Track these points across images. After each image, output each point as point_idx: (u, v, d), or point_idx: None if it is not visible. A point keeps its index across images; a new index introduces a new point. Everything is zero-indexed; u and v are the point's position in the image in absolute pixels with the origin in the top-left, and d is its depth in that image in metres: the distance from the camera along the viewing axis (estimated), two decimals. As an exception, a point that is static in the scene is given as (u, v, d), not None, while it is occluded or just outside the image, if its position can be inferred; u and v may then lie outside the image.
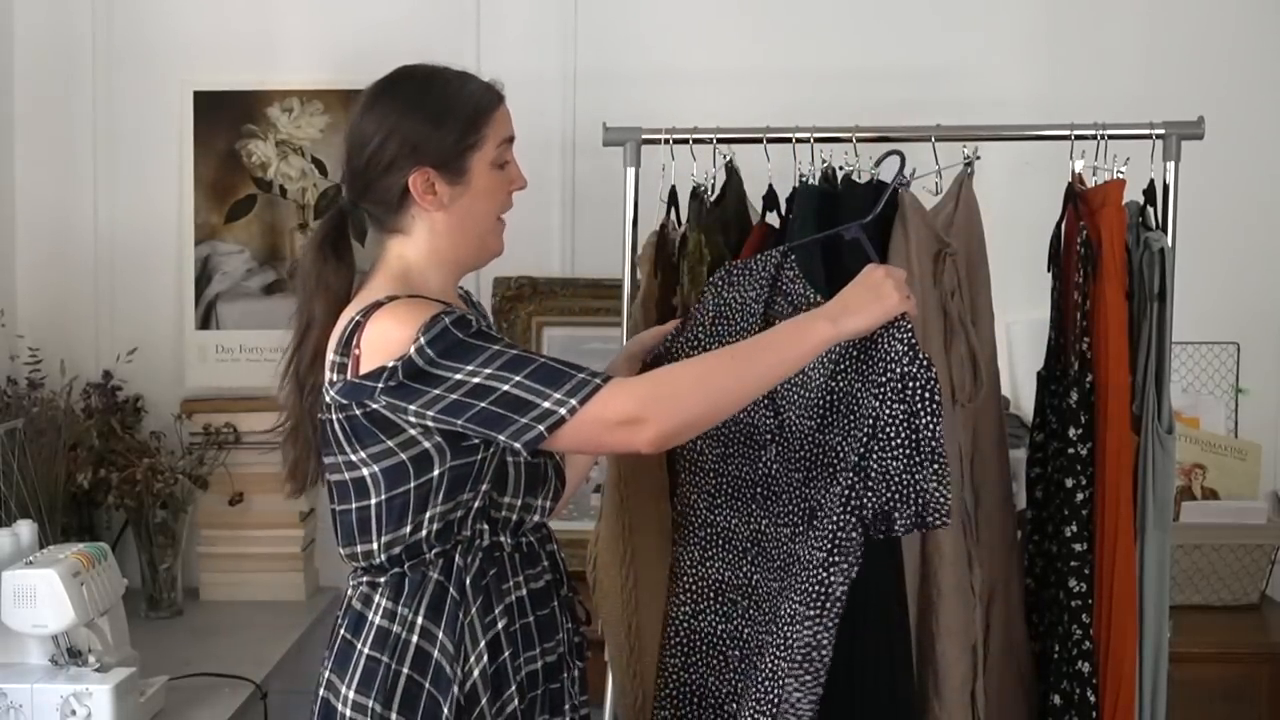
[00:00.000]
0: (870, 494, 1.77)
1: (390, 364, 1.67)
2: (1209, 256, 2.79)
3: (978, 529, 2.16)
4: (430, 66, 1.85)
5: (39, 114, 3.01)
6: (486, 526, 1.80)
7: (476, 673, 1.75)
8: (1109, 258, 2.10)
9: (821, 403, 1.90)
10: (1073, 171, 2.18)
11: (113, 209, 3.02)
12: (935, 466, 1.75)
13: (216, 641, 2.62)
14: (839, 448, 1.86)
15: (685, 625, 2.06)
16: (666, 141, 2.24)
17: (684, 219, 2.28)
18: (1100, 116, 2.17)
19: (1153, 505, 2.14)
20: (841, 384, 1.87)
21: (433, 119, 1.78)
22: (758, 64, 2.93)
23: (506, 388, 1.64)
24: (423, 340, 1.66)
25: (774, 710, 1.81)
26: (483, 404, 1.65)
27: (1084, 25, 3.01)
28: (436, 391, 1.66)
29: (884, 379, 1.77)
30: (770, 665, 1.82)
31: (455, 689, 1.73)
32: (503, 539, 1.81)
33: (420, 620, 1.76)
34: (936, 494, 1.75)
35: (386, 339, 1.68)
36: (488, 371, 1.65)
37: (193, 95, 2.99)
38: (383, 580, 1.78)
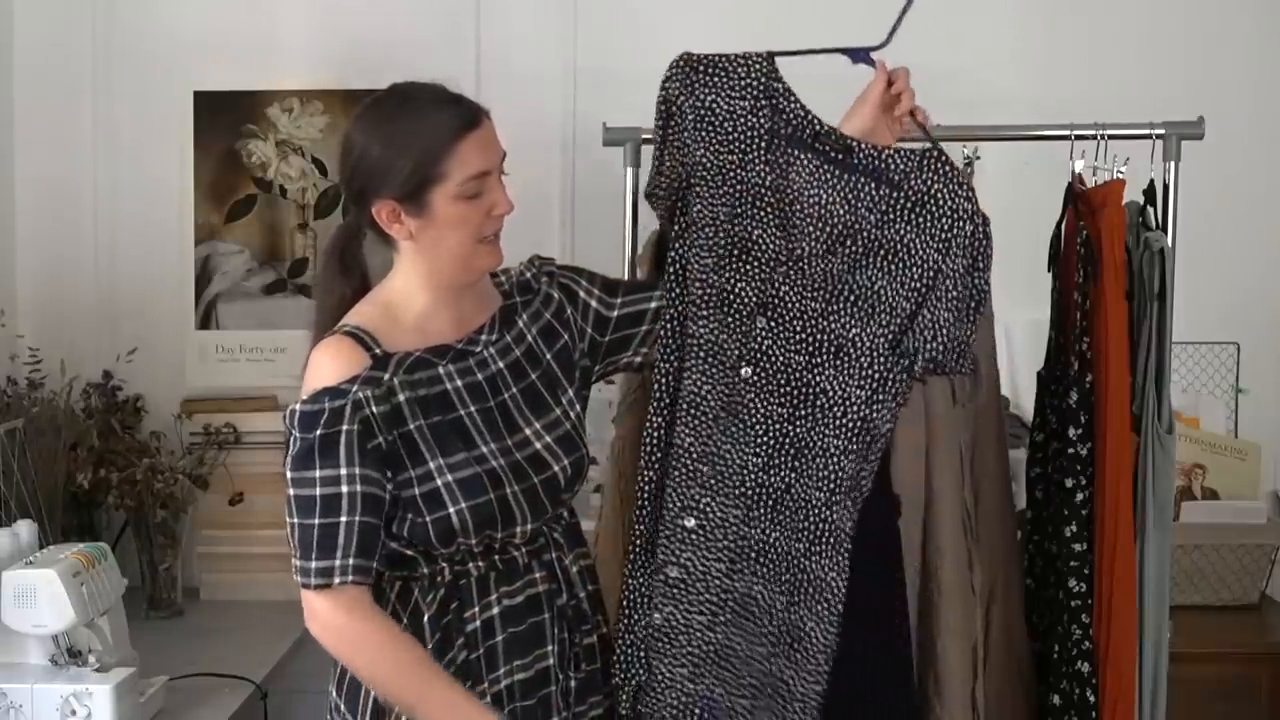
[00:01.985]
0: (920, 340, 1.86)
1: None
2: (1209, 256, 2.80)
3: (978, 529, 2.16)
4: (413, 88, 1.80)
5: (39, 114, 3.01)
6: (446, 565, 1.80)
7: None
8: (1109, 258, 2.10)
9: (847, 238, 1.87)
10: (1073, 171, 2.18)
11: (113, 209, 3.02)
12: (975, 319, 1.89)
13: (216, 641, 2.62)
14: (881, 290, 1.87)
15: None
16: (666, 141, 2.23)
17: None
18: (1100, 116, 2.17)
19: (1153, 505, 2.14)
20: (890, 232, 1.86)
21: (394, 150, 1.75)
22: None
23: (289, 519, 1.76)
24: (299, 409, 1.75)
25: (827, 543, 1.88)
26: (286, 516, 1.77)
27: (1084, 25, 3.01)
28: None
29: (950, 233, 1.85)
30: (817, 515, 1.87)
31: (404, 717, 1.77)
32: (471, 565, 1.80)
33: None
34: (969, 343, 1.89)
35: (305, 383, 1.77)
36: (289, 494, 1.75)
37: (193, 95, 3.00)
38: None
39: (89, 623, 2.14)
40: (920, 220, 1.86)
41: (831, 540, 1.88)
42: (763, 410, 1.89)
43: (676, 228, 1.94)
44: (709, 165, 1.91)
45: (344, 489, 1.71)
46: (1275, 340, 3.04)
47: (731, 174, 1.91)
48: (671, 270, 1.93)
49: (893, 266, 1.87)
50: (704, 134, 1.92)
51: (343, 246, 1.87)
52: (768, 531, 1.89)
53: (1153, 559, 2.15)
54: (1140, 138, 2.17)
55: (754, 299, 1.89)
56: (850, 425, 1.87)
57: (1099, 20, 3.00)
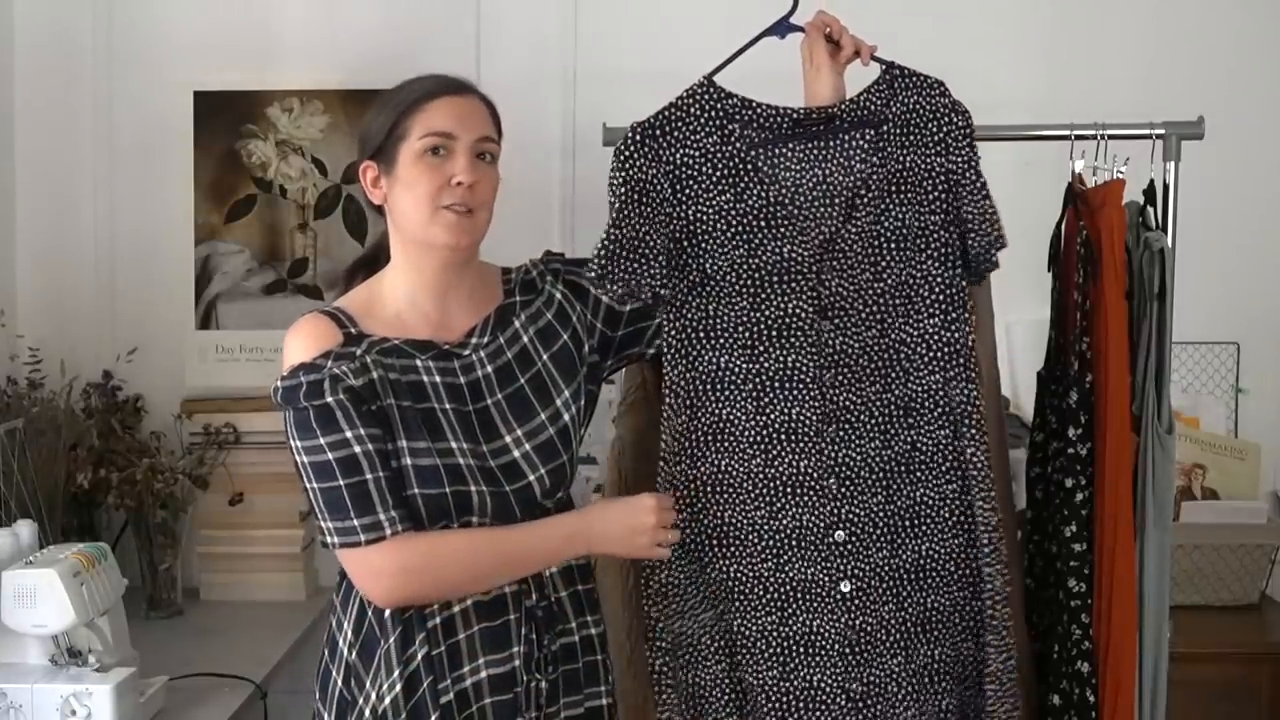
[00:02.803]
0: (972, 236, 1.93)
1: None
2: (1209, 256, 2.80)
3: (978, 529, 2.16)
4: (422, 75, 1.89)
5: (39, 114, 3.01)
6: None
7: (389, 700, 1.77)
8: (1109, 258, 2.10)
9: (857, 195, 1.92)
10: (1073, 171, 2.19)
11: (112, 209, 3.01)
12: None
13: (216, 641, 2.62)
14: (912, 222, 1.94)
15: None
16: (666, 141, 2.23)
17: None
18: (1100, 116, 2.17)
19: (1153, 505, 2.14)
20: (892, 166, 1.93)
21: (375, 113, 1.86)
22: (757, 64, 2.92)
23: (309, 484, 1.77)
24: (280, 385, 1.77)
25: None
26: (302, 484, 1.78)
27: (1084, 25, 3.01)
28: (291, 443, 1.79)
29: (943, 133, 1.92)
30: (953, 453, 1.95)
31: (367, 710, 1.79)
32: None
33: (349, 634, 1.84)
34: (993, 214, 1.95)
35: (283, 360, 1.80)
36: (302, 460, 1.76)
37: (193, 95, 3.00)
38: (338, 577, 1.87)
39: (89, 623, 2.14)
40: (912, 138, 1.93)
41: (977, 474, 1.96)
42: (861, 402, 1.94)
43: (674, 295, 1.92)
44: (706, 218, 1.91)
45: (356, 449, 1.73)
46: (1275, 340, 3.04)
47: (733, 211, 1.91)
48: (689, 333, 1.93)
49: (909, 195, 1.93)
50: (688, 192, 1.91)
51: (374, 254, 1.97)
52: (915, 492, 1.97)
53: (1153, 559, 2.15)
54: (1140, 138, 2.17)
55: (811, 309, 1.91)
56: (940, 355, 1.95)
57: (1099, 20, 3.01)
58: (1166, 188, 2.18)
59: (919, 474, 1.97)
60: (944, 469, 1.97)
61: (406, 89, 1.86)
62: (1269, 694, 2.71)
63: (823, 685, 1.93)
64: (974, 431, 1.95)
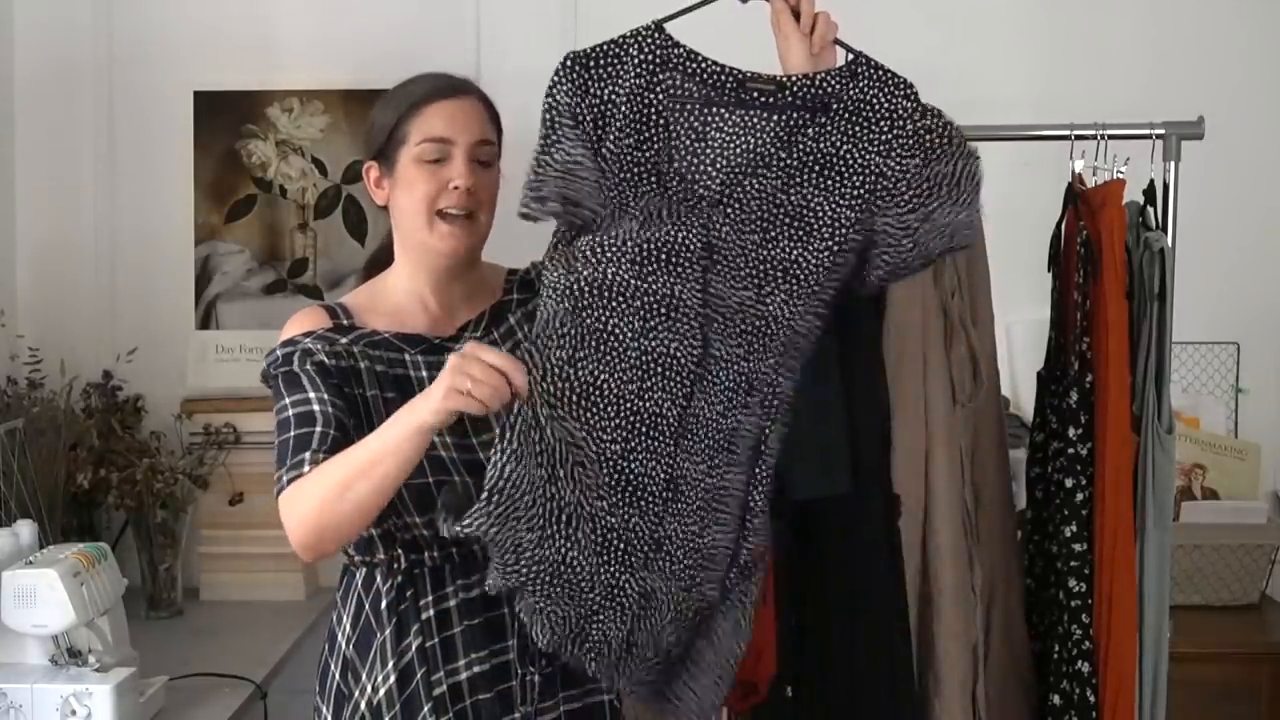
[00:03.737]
0: (881, 252, 1.82)
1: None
2: (1209, 256, 2.80)
3: (978, 529, 2.16)
4: (423, 73, 1.91)
5: (39, 114, 3.00)
6: (401, 551, 1.81)
7: (383, 692, 1.78)
8: (1109, 258, 2.10)
9: (771, 162, 1.83)
10: (1073, 171, 2.19)
11: (113, 209, 3.01)
12: (962, 198, 1.83)
13: (216, 641, 2.62)
14: (817, 206, 1.81)
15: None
16: (666, 141, 2.23)
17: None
18: (1100, 116, 2.17)
19: (1153, 505, 2.14)
20: (824, 146, 1.82)
21: (377, 114, 1.88)
22: (757, 65, 2.92)
23: (279, 436, 1.77)
24: (264, 362, 1.82)
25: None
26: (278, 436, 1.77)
27: (1084, 25, 3.01)
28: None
29: (890, 134, 1.81)
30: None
31: (363, 703, 1.79)
32: (425, 555, 1.81)
33: (348, 628, 1.85)
34: (966, 223, 1.83)
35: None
36: (274, 425, 1.78)
37: (193, 95, 2.99)
38: (341, 572, 1.89)
39: (89, 623, 2.14)
40: (855, 129, 1.82)
41: (746, 444, 1.84)
42: (725, 353, 1.83)
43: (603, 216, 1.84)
44: (611, 155, 1.83)
45: (315, 408, 1.75)
46: (1275, 340, 3.04)
47: (628, 158, 1.83)
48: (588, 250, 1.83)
49: (829, 182, 1.82)
50: (604, 128, 1.84)
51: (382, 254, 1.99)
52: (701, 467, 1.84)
53: (1153, 559, 2.15)
54: (1140, 138, 2.17)
55: (700, 245, 1.82)
56: (787, 341, 1.82)
57: (1099, 20, 3.00)
58: (1166, 188, 2.18)
59: (728, 455, 1.84)
60: (744, 460, 1.84)
61: (406, 89, 1.87)
62: (1269, 694, 2.71)
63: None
64: (774, 424, 1.84)
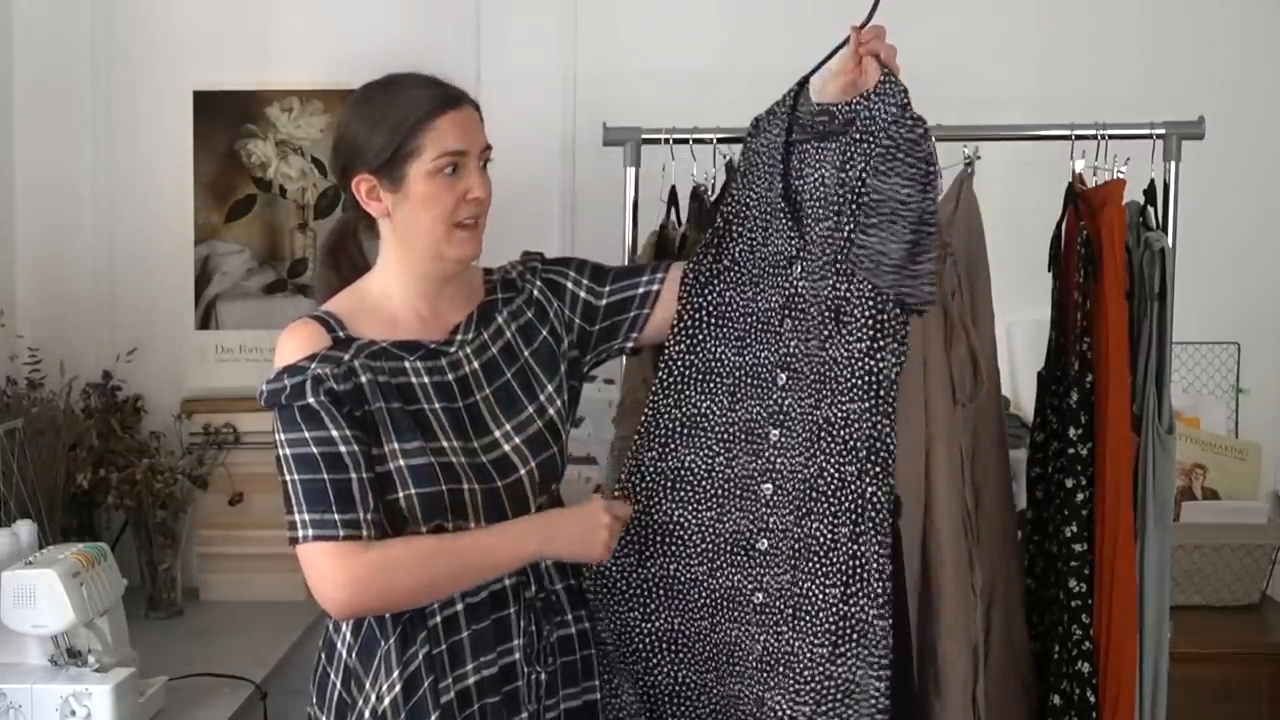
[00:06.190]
0: (914, 281, 1.82)
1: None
2: (1209, 256, 2.80)
3: (978, 529, 2.16)
4: (399, 74, 1.87)
5: (38, 113, 3.00)
6: None
7: (388, 701, 1.77)
8: (1109, 258, 2.10)
9: (847, 202, 1.86)
10: (1073, 171, 2.19)
11: (112, 209, 3.01)
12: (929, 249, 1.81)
13: (216, 641, 2.62)
14: (880, 244, 1.83)
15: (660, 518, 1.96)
16: (666, 141, 2.24)
17: (684, 219, 2.28)
18: (1100, 116, 2.17)
19: (1153, 505, 2.14)
20: (878, 181, 1.84)
21: (371, 125, 1.82)
22: (758, 64, 2.92)
23: (288, 476, 1.75)
24: (265, 388, 1.78)
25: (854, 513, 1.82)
26: (281, 476, 1.76)
27: (1084, 25, 3.01)
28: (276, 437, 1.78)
29: (905, 163, 1.81)
30: (829, 468, 1.83)
31: (367, 712, 1.78)
32: None
33: (348, 637, 1.83)
34: (928, 277, 1.81)
35: (274, 363, 1.80)
36: (285, 454, 1.75)
37: (193, 95, 2.99)
38: None
39: (89, 623, 2.14)
40: (894, 162, 1.82)
41: (871, 516, 1.82)
42: (800, 413, 1.87)
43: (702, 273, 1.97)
44: (751, 201, 1.97)
45: (342, 449, 1.74)
46: (1275, 340, 3.04)
47: (763, 200, 1.95)
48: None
49: (858, 212, 1.84)
50: (750, 176, 1.98)
51: (334, 241, 1.94)
52: (809, 523, 1.85)
53: (1153, 559, 2.15)
54: (1140, 138, 2.17)
55: (779, 306, 1.90)
56: (859, 381, 1.82)
57: (1099, 20, 3.00)
58: (1167, 188, 2.18)
59: (814, 504, 1.84)
60: (841, 506, 1.82)
61: (398, 99, 1.83)
62: (1269, 694, 2.72)
63: (740, 693, 1.91)
64: (878, 470, 1.81)
